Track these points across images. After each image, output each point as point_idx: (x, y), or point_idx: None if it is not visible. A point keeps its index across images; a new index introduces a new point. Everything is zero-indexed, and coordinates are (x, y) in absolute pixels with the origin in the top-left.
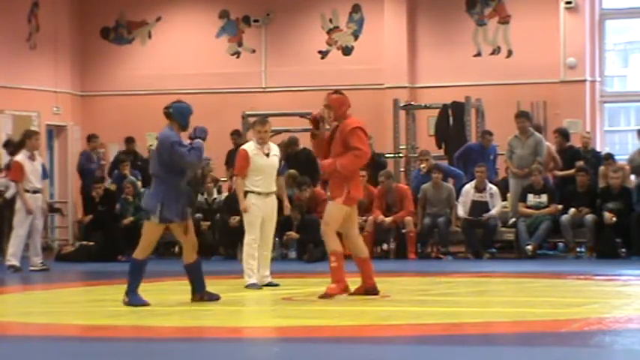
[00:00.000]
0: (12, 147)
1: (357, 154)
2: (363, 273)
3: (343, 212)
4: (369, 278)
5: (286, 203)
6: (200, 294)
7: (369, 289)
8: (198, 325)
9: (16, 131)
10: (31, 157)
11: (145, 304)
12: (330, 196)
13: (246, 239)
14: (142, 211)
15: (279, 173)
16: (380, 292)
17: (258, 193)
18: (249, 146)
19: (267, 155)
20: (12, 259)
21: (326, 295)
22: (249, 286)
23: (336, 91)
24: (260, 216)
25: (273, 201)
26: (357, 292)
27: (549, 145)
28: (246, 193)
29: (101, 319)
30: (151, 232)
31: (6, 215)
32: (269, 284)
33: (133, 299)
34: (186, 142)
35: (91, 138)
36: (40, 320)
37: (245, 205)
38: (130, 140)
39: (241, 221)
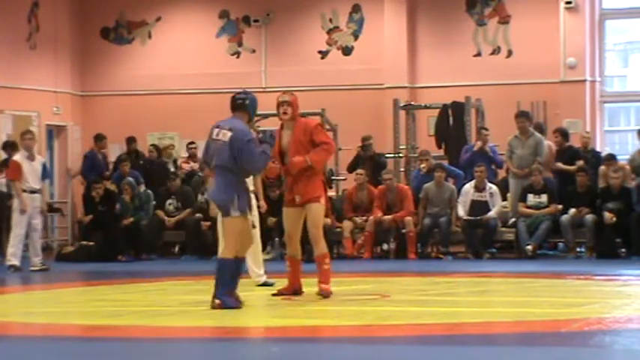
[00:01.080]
0: (10, 148)
1: (327, 147)
2: (295, 274)
3: (323, 211)
4: (298, 280)
5: (261, 202)
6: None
7: (297, 290)
8: (198, 325)
9: (17, 131)
10: (30, 157)
11: (237, 307)
12: (307, 198)
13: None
14: (217, 208)
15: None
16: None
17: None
18: None
19: None
20: (12, 258)
21: (323, 293)
22: None
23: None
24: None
25: (253, 200)
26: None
27: (551, 144)
28: None
29: (101, 319)
30: (234, 226)
31: (5, 215)
32: (264, 284)
33: (227, 302)
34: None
35: (98, 138)
36: (40, 320)
37: (263, 205)
38: (131, 140)
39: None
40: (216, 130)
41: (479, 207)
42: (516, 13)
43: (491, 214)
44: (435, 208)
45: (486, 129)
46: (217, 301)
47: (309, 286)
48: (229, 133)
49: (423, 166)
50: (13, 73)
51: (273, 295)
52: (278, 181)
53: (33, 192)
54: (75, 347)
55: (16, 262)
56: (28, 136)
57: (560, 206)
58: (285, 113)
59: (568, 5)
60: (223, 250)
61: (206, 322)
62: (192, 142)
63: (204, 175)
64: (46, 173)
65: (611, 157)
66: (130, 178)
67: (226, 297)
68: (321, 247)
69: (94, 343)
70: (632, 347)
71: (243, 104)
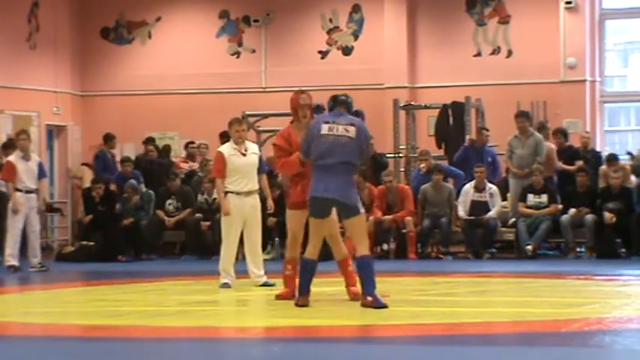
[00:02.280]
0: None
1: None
2: (296, 277)
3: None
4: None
5: (269, 202)
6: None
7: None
8: (198, 325)
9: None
10: (25, 157)
11: (386, 305)
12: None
13: (224, 247)
14: (348, 208)
15: (260, 171)
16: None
17: (237, 193)
18: (225, 147)
19: (245, 154)
20: (10, 259)
21: (370, 303)
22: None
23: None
24: (239, 216)
25: (254, 199)
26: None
27: (551, 145)
28: (226, 193)
29: (101, 319)
30: (362, 222)
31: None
32: (264, 284)
33: (379, 300)
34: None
35: (108, 138)
36: (40, 320)
37: (227, 209)
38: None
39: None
40: (329, 126)
41: (479, 207)
42: (516, 13)
43: (491, 214)
44: (433, 208)
45: (487, 129)
46: (370, 299)
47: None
48: (353, 128)
49: (422, 166)
50: (13, 73)
51: (277, 297)
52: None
53: (29, 192)
54: (75, 347)
55: (15, 262)
56: (22, 136)
57: (560, 206)
58: (305, 117)
59: (568, 5)
60: (360, 247)
61: (206, 322)
62: (191, 142)
63: (204, 175)
64: (42, 173)
65: (613, 157)
66: (133, 181)
67: (376, 294)
68: (338, 250)
69: (94, 343)
70: (632, 347)
71: (347, 102)
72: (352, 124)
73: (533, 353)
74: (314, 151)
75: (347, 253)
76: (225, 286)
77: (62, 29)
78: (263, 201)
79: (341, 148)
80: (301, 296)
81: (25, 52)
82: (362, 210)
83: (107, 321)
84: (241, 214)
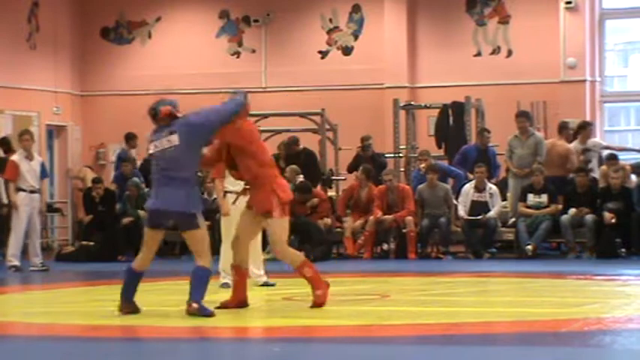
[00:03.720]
0: (6, 146)
1: None
2: (240, 285)
3: (285, 224)
4: (243, 292)
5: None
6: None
7: (241, 302)
8: (198, 325)
9: (16, 131)
10: (28, 157)
11: (212, 314)
12: (260, 210)
13: (224, 247)
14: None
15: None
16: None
17: (236, 193)
18: None
19: None
20: (12, 259)
21: (318, 305)
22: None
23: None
24: (239, 217)
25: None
26: (229, 305)
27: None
28: (225, 193)
29: (101, 319)
30: (203, 237)
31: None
32: (265, 284)
33: (205, 308)
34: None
35: (129, 137)
36: (40, 320)
37: (226, 209)
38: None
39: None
40: (154, 144)
41: (479, 207)
42: (516, 13)
43: (491, 214)
44: (431, 208)
45: (488, 130)
46: (195, 306)
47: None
48: (175, 135)
49: (422, 166)
50: (13, 73)
51: (217, 307)
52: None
53: (32, 192)
54: (75, 347)
55: (16, 262)
56: (26, 136)
57: (560, 206)
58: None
59: (568, 5)
60: (199, 261)
61: (206, 322)
62: None
63: (204, 175)
64: (44, 173)
65: (613, 157)
66: (136, 179)
67: (202, 303)
68: (292, 260)
69: (94, 343)
70: (632, 347)
71: (155, 110)
72: (173, 132)
73: (533, 353)
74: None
75: (301, 261)
76: (226, 285)
77: (62, 29)
78: None
79: (168, 161)
80: (128, 304)
81: (25, 52)
82: (202, 223)
83: (107, 321)
84: (239, 214)
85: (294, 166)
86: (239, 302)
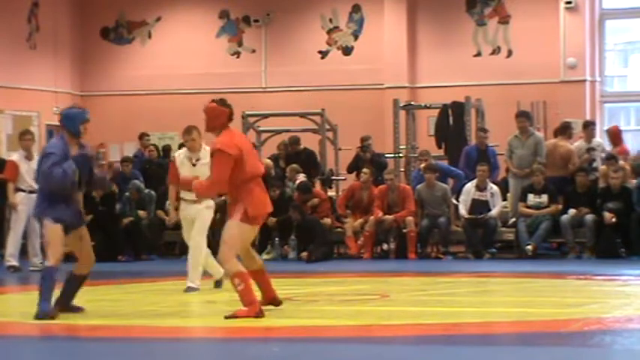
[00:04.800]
0: None
1: (213, 181)
2: (260, 286)
3: (243, 230)
4: (268, 290)
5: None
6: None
7: (270, 301)
8: (198, 325)
9: (16, 131)
10: (28, 157)
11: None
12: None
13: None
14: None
15: None
16: (281, 302)
17: (185, 200)
18: (179, 154)
19: (195, 164)
20: (11, 259)
21: (235, 316)
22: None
23: (219, 100)
24: (190, 222)
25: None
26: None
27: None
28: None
29: (101, 319)
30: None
31: (5, 216)
32: (189, 288)
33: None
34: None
35: (143, 136)
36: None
37: (172, 217)
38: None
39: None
40: None
41: (479, 206)
42: (516, 13)
43: (493, 213)
44: (430, 208)
45: (484, 130)
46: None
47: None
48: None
49: (423, 166)
50: (13, 73)
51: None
52: (278, 180)
53: (31, 192)
54: (75, 347)
55: (15, 262)
56: (27, 136)
57: (560, 206)
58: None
59: (568, 5)
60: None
61: (206, 322)
62: None
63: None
64: None
65: (612, 157)
66: (137, 181)
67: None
68: (227, 267)
69: (94, 343)
70: (632, 347)
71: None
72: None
73: (533, 353)
74: None
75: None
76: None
77: (62, 29)
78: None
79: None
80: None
81: (25, 52)
82: (51, 224)
83: (107, 321)
84: (191, 220)
85: (294, 165)
86: (270, 301)
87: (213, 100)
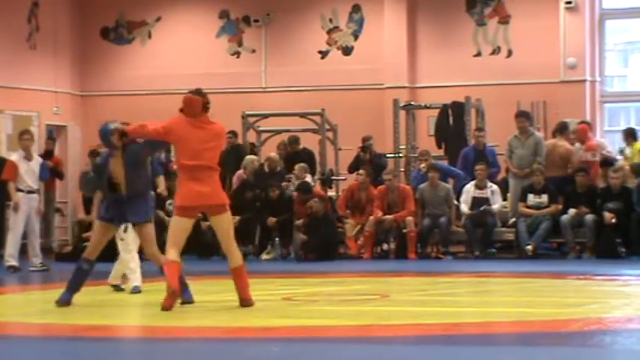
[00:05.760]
0: None
1: (141, 123)
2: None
3: (175, 222)
4: (239, 291)
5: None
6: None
7: (240, 302)
8: (198, 325)
9: (16, 131)
10: (27, 157)
11: None
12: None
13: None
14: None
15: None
16: (253, 304)
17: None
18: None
19: None
20: (10, 259)
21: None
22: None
23: (194, 90)
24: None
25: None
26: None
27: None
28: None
29: (101, 319)
30: None
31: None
32: (115, 286)
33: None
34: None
35: None
36: (40, 320)
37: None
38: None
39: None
40: None
41: (480, 203)
42: (516, 13)
43: (495, 207)
44: (432, 208)
45: (480, 129)
46: None
47: (315, 286)
48: None
49: (423, 166)
50: (13, 73)
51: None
52: (278, 180)
53: (30, 192)
54: (75, 347)
55: (14, 262)
56: (26, 136)
57: (560, 206)
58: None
59: (568, 5)
60: None
61: (206, 322)
62: None
63: None
64: (44, 174)
65: (608, 162)
66: None
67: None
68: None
69: (94, 343)
70: (632, 347)
71: None
72: None
73: (533, 353)
74: None
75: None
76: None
77: (62, 29)
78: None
79: None
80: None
81: (25, 52)
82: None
83: (107, 321)
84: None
85: (303, 164)
86: (240, 301)
87: (189, 91)
